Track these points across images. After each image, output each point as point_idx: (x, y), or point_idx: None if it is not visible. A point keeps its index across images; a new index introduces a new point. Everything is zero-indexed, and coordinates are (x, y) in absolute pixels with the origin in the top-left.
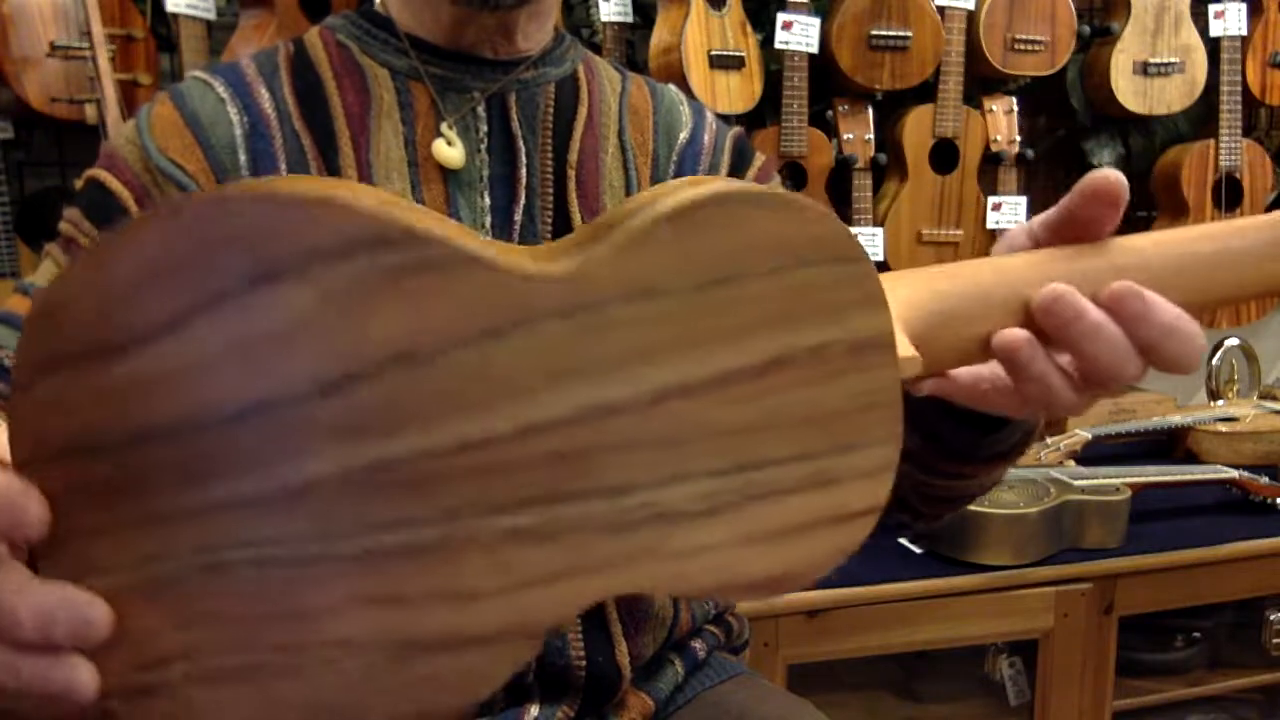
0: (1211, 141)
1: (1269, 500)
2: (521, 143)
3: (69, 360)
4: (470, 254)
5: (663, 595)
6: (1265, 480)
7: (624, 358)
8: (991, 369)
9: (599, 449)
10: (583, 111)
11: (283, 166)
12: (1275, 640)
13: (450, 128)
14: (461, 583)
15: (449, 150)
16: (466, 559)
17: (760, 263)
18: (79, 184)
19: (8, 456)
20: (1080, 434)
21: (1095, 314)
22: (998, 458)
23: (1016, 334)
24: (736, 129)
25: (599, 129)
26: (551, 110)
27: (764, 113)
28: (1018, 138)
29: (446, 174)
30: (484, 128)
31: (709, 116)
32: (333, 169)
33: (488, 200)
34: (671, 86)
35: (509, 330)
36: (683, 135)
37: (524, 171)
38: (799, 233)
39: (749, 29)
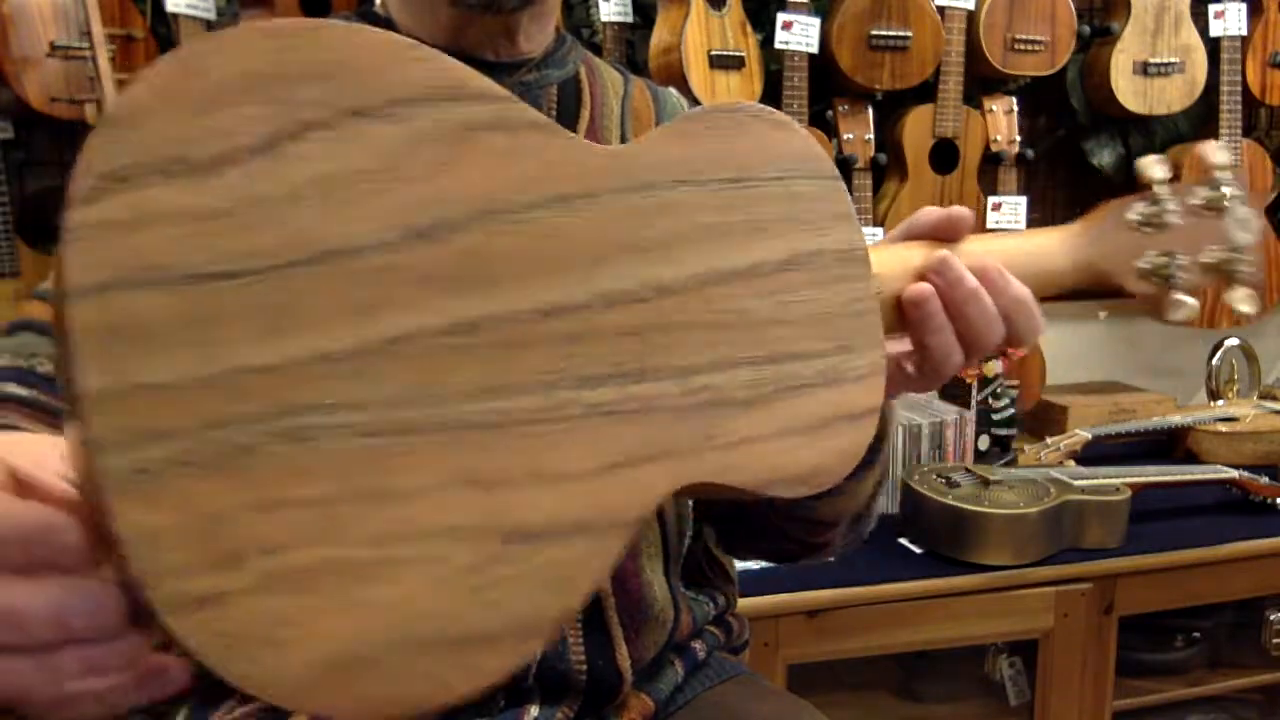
0: (1211, 141)
1: (1269, 500)
2: None
3: (147, 173)
4: (536, 120)
5: (722, 485)
6: (1265, 480)
7: (671, 239)
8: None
9: (659, 328)
10: (585, 114)
11: None
12: (1275, 640)
13: None
14: (558, 462)
15: None
16: (562, 435)
17: (766, 169)
18: None
19: (40, 469)
20: (1080, 434)
21: (973, 279)
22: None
23: (925, 286)
24: None
25: (601, 132)
26: (554, 113)
27: None
28: (1018, 138)
29: None
30: None
31: None
32: None
33: None
34: (673, 90)
35: (575, 199)
36: None
37: None
38: (794, 148)
39: (749, 29)
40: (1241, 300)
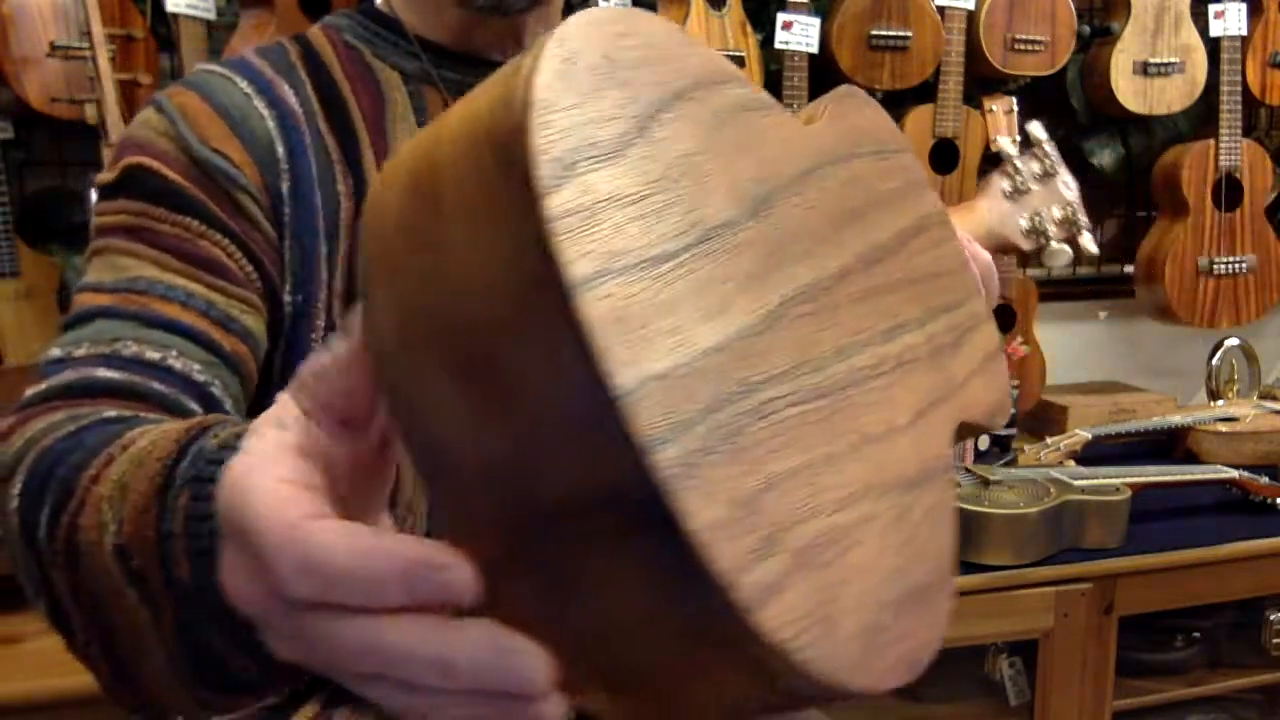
0: (1211, 141)
1: (1269, 500)
2: None
3: (582, 158)
4: (771, 101)
5: (970, 423)
6: (1265, 480)
7: (870, 204)
8: None
9: (895, 284)
10: None
11: (312, 164)
12: (1275, 640)
13: None
14: (893, 414)
15: None
16: (887, 388)
17: (890, 143)
18: (109, 177)
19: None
20: (1080, 434)
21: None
22: None
23: None
24: None
25: None
26: None
27: None
28: (1018, 138)
29: None
30: None
31: None
32: (356, 172)
33: None
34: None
35: (812, 172)
36: None
37: None
38: (891, 126)
39: (749, 29)
40: (1089, 243)
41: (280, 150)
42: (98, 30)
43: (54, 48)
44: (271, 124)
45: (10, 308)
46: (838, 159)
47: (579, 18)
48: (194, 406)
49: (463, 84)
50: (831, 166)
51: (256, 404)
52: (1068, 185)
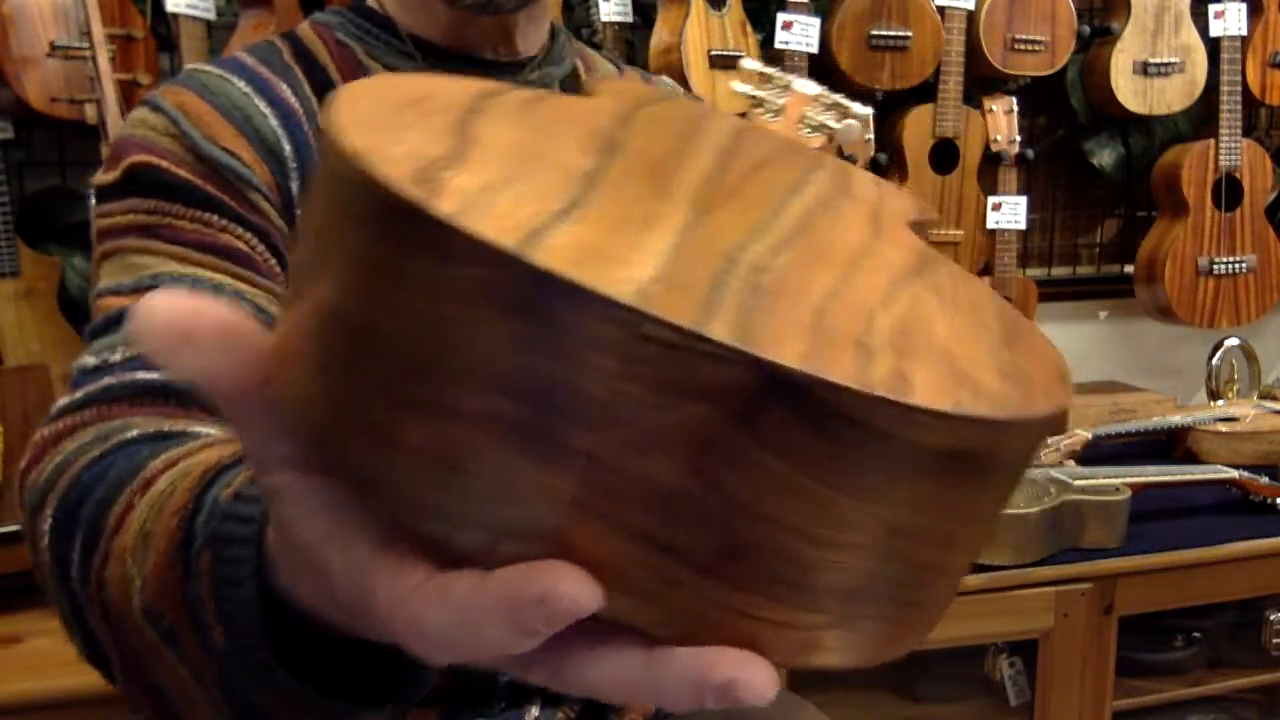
0: (1211, 141)
1: (1269, 500)
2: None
3: None
4: (549, 90)
5: (914, 222)
6: (1265, 480)
7: (689, 129)
8: None
9: (757, 167)
10: None
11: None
12: (1275, 640)
13: None
14: (856, 233)
15: None
16: (835, 220)
17: (657, 96)
18: (110, 178)
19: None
20: (1080, 434)
21: None
22: None
23: None
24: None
25: None
26: None
27: None
28: (1018, 138)
29: None
30: None
31: None
32: None
33: None
34: (666, 79)
35: (633, 114)
36: None
37: None
38: (651, 90)
39: (749, 29)
40: (857, 107)
41: (287, 149)
42: (98, 30)
43: (54, 48)
44: (275, 122)
45: (10, 308)
46: (641, 105)
47: (345, 91)
48: None
49: None
50: (641, 110)
51: None
52: (807, 84)
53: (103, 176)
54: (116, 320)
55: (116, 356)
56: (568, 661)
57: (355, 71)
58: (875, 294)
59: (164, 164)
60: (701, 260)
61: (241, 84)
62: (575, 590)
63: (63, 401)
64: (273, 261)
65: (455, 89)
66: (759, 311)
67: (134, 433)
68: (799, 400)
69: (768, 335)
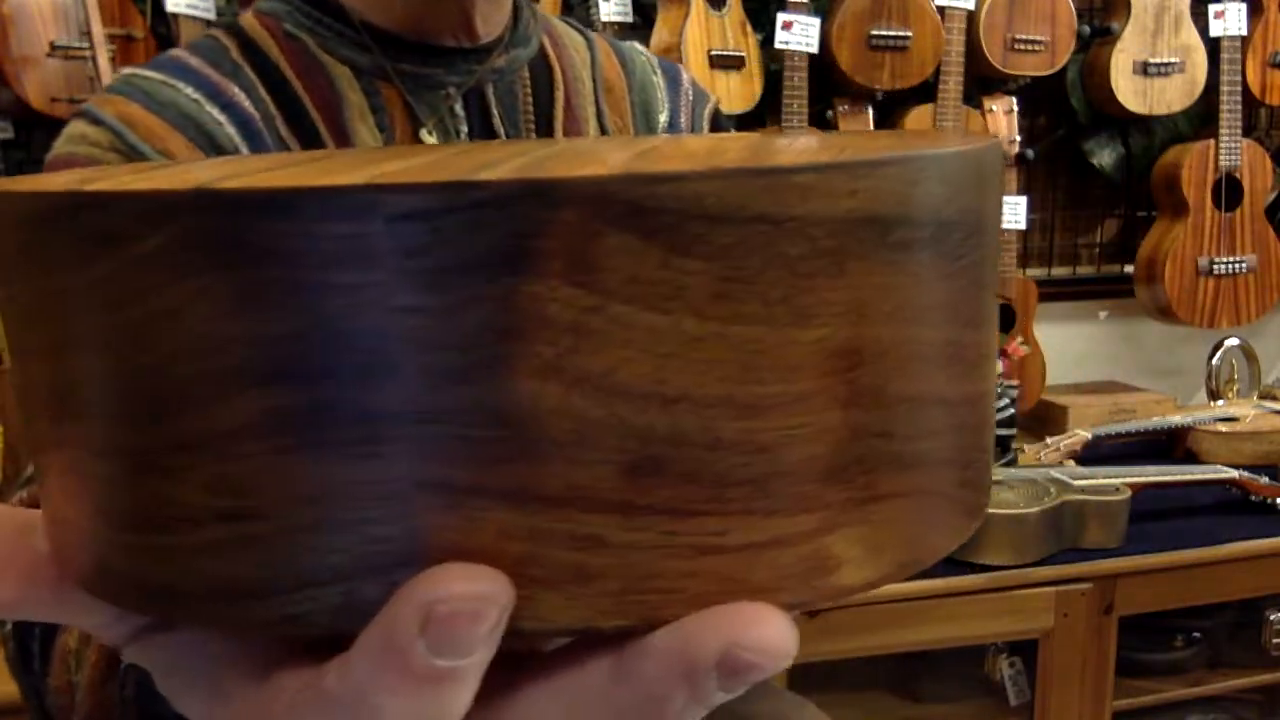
0: (1211, 141)
1: (1269, 500)
2: (505, 138)
3: None
4: None
5: None
6: (1265, 480)
7: None
8: None
9: None
10: (559, 96)
11: None
12: (1275, 640)
13: (430, 132)
14: None
15: None
16: None
17: None
18: None
19: None
20: (1080, 434)
21: None
22: None
23: None
24: (713, 101)
25: (578, 111)
26: (530, 100)
27: (764, 113)
28: (1018, 138)
29: None
30: (463, 127)
31: (684, 88)
32: None
33: None
34: (638, 48)
35: None
36: (662, 118)
37: None
38: None
39: (749, 29)
40: None
41: None
42: (98, 30)
43: (54, 48)
44: (232, 130)
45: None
46: None
47: None
48: None
49: (420, 78)
50: None
51: None
52: None
53: None
54: None
55: None
56: (510, 712)
57: (309, 67)
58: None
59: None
60: (461, 162)
61: (189, 89)
62: (479, 587)
63: (30, 470)
64: None
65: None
66: (550, 161)
67: None
68: (638, 218)
69: (561, 170)
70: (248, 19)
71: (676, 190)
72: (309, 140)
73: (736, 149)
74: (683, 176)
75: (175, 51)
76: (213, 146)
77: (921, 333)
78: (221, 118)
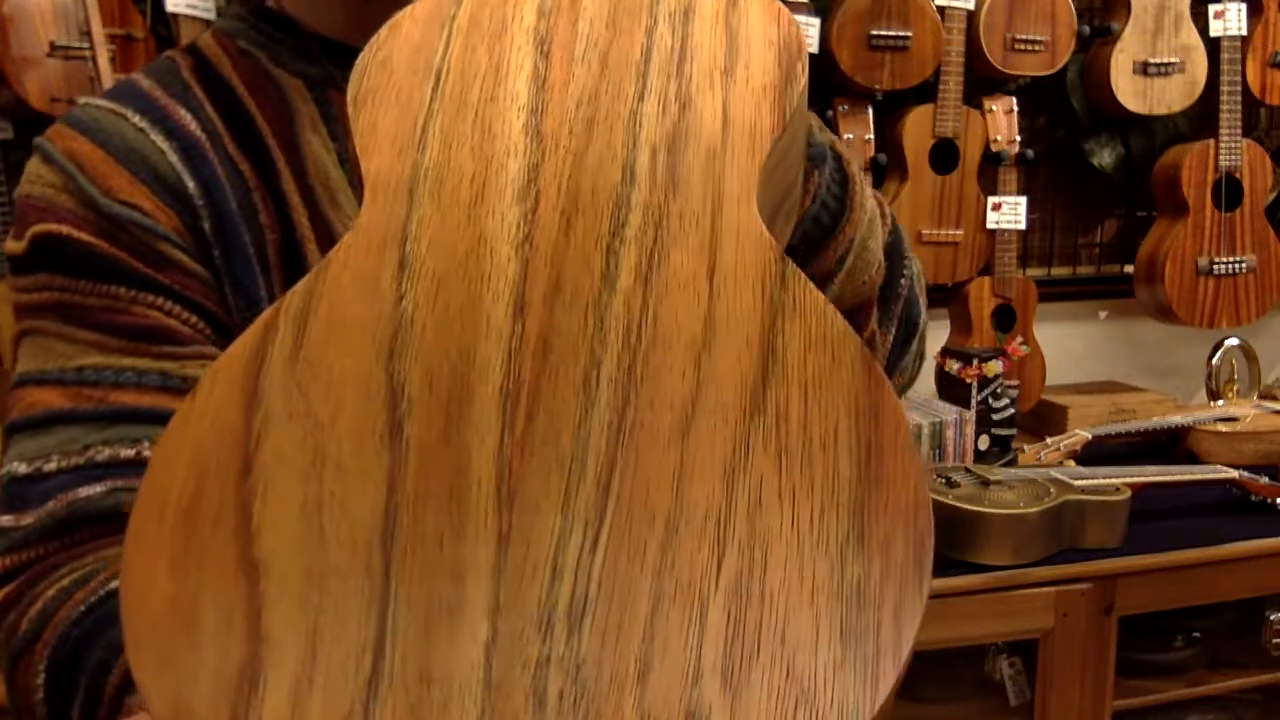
0: (1211, 141)
1: (1269, 500)
2: None
3: None
4: None
5: None
6: (1265, 480)
7: None
8: None
9: None
10: None
11: (230, 197)
12: (1275, 640)
13: None
14: None
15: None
16: None
17: None
18: (19, 248)
19: None
20: (1080, 434)
21: None
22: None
23: None
24: None
25: None
26: None
27: None
28: (1018, 138)
29: None
30: None
31: None
32: (276, 195)
33: None
34: None
35: None
36: None
37: None
38: None
39: None
40: None
41: (191, 185)
42: (98, 30)
43: (54, 48)
44: (174, 158)
45: (10, 308)
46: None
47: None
48: None
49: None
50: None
51: None
52: None
53: (12, 244)
54: (43, 422)
55: (51, 466)
56: None
57: (261, 82)
58: (702, 562)
59: (65, 230)
60: (512, 661)
61: (136, 118)
62: None
63: (6, 521)
64: (194, 319)
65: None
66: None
67: (115, 584)
68: None
69: None
70: (205, 38)
71: None
72: (258, 157)
73: None
74: None
75: (134, 75)
76: (155, 178)
77: None
78: (165, 145)
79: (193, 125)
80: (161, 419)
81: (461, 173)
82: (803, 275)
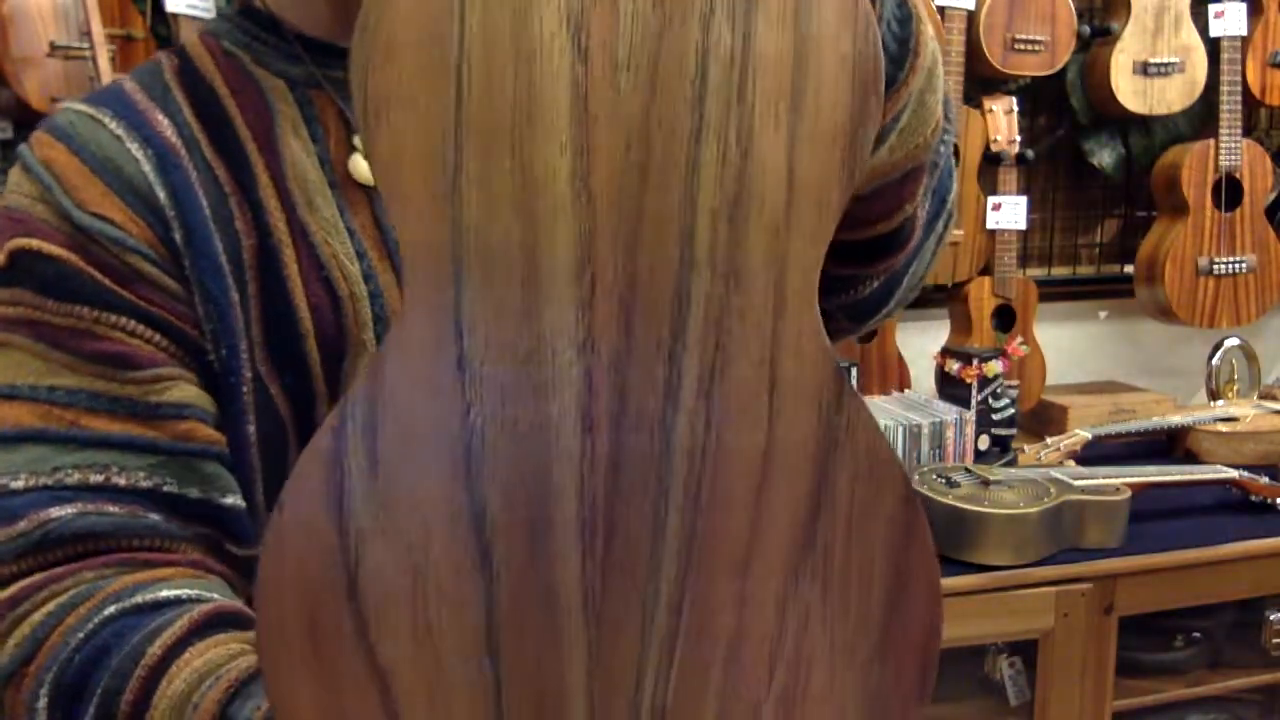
0: (1211, 141)
1: (1269, 500)
2: None
3: None
4: None
5: None
6: (1265, 480)
7: None
8: None
9: None
10: None
11: (203, 204)
12: (1275, 640)
13: None
14: None
15: (367, 166)
16: None
17: None
18: (0, 260)
19: None
20: (1080, 434)
21: None
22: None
23: None
24: None
25: None
26: None
27: None
28: (1018, 138)
29: (370, 192)
30: None
31: None
32: (252, 200)
33: None
34: None
35: None
36: None
37: None
38: None
39: None
40: None
41: (162, 196)
42: (98, 30)
43: (54, 48)
44: (147, 167)
45: None
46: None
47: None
48: (154, 516)
49: (349, 83)
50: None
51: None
52: None
53: None
54: (13, 439)
55: (19, 484)
56: None
57: (242, 83)
58: (758, 678)
59: (37, 245)
60: None
61: (113, 124)
62: None
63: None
64: (157, 338)
65: None
66: None
67: (111, 608)
68: None
69: None
70: (192, 39)
71: None
72: (235, 161)
73: None
74: None
75: (121, 77)
76: (129, 189)
77: None
78: (139, 153)
79: (169, 131)
80: (131, 446)
81: (509, 240)
82: (856, 395)
